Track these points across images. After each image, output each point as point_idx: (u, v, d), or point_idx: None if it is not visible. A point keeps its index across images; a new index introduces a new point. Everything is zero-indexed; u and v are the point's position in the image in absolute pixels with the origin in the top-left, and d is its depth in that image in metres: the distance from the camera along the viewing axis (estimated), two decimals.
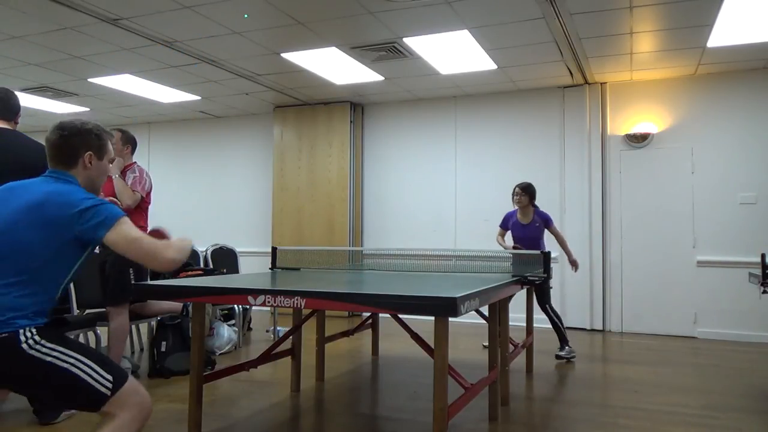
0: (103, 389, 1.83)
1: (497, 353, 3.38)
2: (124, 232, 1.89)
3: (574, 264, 5.11)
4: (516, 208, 5.14)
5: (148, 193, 4.16)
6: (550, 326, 5.05)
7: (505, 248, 5.09)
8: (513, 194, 5.11)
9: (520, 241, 5.06)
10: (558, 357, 5.01)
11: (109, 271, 3.93)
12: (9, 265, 1.83)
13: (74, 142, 1.99)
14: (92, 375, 1.83)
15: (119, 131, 4.14)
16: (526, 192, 5.04)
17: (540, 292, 4.92)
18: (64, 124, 2.00)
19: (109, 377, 1.84)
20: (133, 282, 3.92)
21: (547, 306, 4.98)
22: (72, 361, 1.82)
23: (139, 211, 4.07)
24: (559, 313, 5.11)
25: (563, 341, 5.05)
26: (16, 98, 3.24)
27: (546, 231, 5.09)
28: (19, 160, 3.11)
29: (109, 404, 1.85)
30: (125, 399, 1.86)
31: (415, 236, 7.39)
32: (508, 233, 5.21)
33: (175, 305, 4.49)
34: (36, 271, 1.85)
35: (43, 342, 1.80)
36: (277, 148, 8.00)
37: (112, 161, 2.16)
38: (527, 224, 5.06)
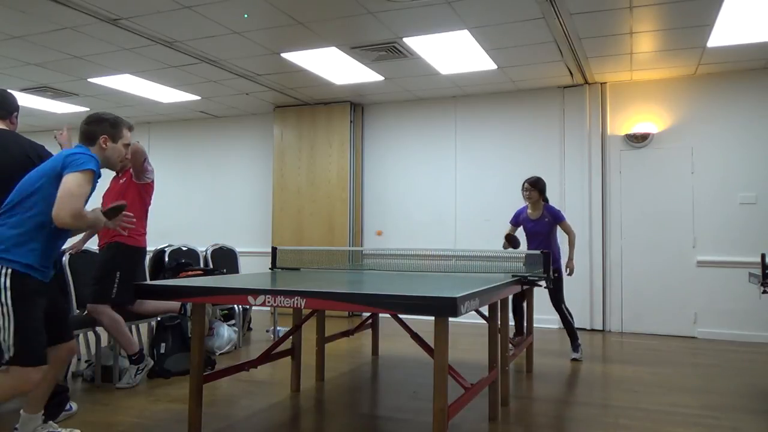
0: (5, 354, 2.39)
1: (497, 353, 3.38)
2: (71, 180, 2.44)
3: (569, 267, 5.02)
4: (526, 204, 5.07)
5: (150, 194, 4.18)
6: (562, 326, 5.03)
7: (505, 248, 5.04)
8: (522, 189, 5.03)
9: (530, 237, 5.01)
10: (574, 360, 4.96)
11: (96, 270, 3.96)
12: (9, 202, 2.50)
13: (93, 129, 2.69)
14: (5, 339, 2.38)
15: None
16: (535, 187, 4.96)
17: (554, 290, 4.84)
18: (88, 115, 2.72)
19: (13, 350, 2.38)
20: (116, 287, 3.94)
21: (563, 306, 4.94)
22: (5, 318, 2.37)
23: (139, 214, 4.08)
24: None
25: (575, 342, 5.01)
26: (12, 97, 3.22)
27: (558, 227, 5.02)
28: (14, 161, 3.09)
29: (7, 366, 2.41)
30: (14, 370, 2.40)
31: (415, 236, 7.39)
32: (520, 228, 5.14)
33: (173, 304, 4.49)
34: (22, 204, 2.47)
35: (7, 285, 2.36)
36: (277, 148, 8.00)
37: (126, 145, 2.82)
38: (537, 219, 4.98)
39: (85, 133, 2.69)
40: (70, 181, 2.43)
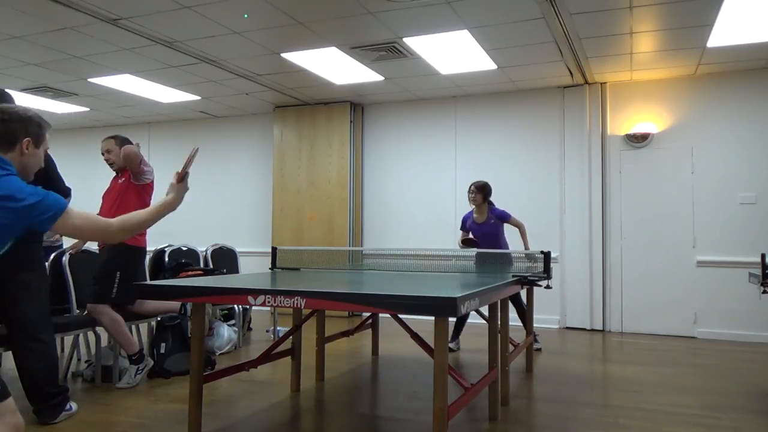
0: None
1: (497, 353, 3.38)
2: (70, 224, 1.98)
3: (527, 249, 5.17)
4: (472, 207, 5.24)
5: (150, 194, 4.18)
6: (518, 317, 5.10)
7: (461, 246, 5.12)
8: (468, 192, 5.21)
9: (477, 239, 5.13)
10: (537, 350, 5.21)
11: (97, 270, 3.96)
12: None
13: (15, 128, 2.05)
14: None
15: (111, 138, 4.16)
16: (480, 191, 5.14)
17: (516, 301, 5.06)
18: (5, 109, 2.08)
19: None
20: (116, 287, 3.94)
21: (519, 298, 5.05)
22: None
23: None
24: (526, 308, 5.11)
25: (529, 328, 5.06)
26: (8, 97, 3.21)
27: (507, 225, 5.21)
28: None
29: None
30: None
31: (415, 236, 7.39)
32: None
33: (173, 304, 4.49)
34: None
35: None
36: (277, 148, 8.00)
37: (46, 151, 2.21)
38: (482, 223, 5.16)
39: (2, 134, 2.04)
40: (71, 228, 1.99)
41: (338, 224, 7.57)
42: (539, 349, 5.30)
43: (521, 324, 5.10)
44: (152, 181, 4.20)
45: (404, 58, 5.82)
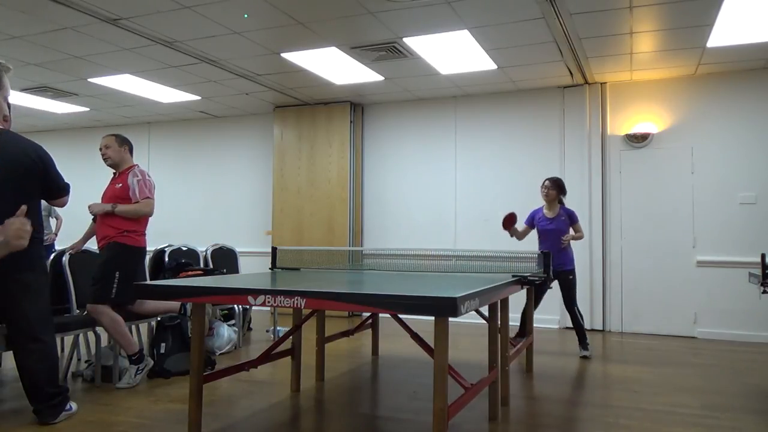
0: None
1: (497, 353, 3.38)
2: None
3: (567, 239, 5.09)
4: (544, 203, 5.25)
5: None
6: (570, 325, 5.24)
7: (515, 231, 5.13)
8: (542, 186, 5.22)
9: (545, 234, 5.13)
10: (584, 357, 5.09)
11: (96, 270, 3.96)
12: None
13: None
14: None
15: (112, 135, 4.16)
16: (555, 186, 5.15)
17: (568, 292, 5.08)
18: None
19: None
20: (116, 287, 3.93)
21: (575, 307, 5.10)
22: None
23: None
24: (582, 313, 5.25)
25: (584, 341, 5.14)
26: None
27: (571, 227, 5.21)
28: (13, 159, 3.10)
29: None
30: None
31: (415, 236, 7.39)
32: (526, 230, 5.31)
33: (173, 304, 4.49)
34: None
35: None
36: (277, 148, 8.00)
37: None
38: (553, 218, 5.15)
39: None
40: None
41: (338, 224, 7.57)
42: (587, 357, 5.08)
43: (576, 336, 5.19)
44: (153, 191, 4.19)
45: (404, 58, 5.82)
